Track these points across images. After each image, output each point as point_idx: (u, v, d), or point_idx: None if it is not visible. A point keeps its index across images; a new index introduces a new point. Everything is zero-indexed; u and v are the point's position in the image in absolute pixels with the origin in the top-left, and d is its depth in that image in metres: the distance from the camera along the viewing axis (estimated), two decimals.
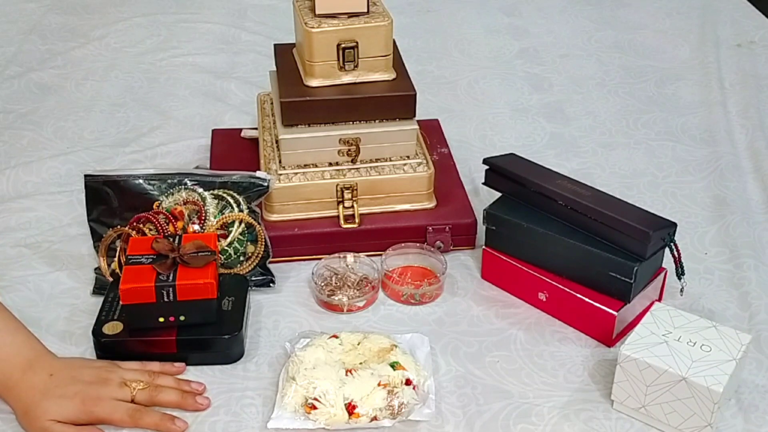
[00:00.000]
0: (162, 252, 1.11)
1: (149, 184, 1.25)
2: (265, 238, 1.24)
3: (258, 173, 1.27)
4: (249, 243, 1.23)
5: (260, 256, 1.24)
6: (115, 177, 1.25)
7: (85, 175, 1.25)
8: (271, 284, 1.25)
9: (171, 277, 1.08)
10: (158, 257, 1.11)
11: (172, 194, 1.25)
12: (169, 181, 1.25)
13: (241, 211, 1.24)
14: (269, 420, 1.04)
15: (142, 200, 1.24)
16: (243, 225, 1.23)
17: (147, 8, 2.11)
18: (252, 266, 1.23)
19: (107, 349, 1.12)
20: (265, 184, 1.26)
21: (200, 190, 1.24)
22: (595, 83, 1.81)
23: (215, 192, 1.25)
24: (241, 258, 1.23)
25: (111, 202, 1.25)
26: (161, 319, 1.10)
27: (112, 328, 1.12)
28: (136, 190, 1.25)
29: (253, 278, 1.24)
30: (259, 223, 1.24)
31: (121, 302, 1.10)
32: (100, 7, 2.11)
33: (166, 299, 1.08)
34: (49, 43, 1.94)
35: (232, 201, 1.24)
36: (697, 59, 1.90)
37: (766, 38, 1.99)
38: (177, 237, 1.15)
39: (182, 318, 1.11)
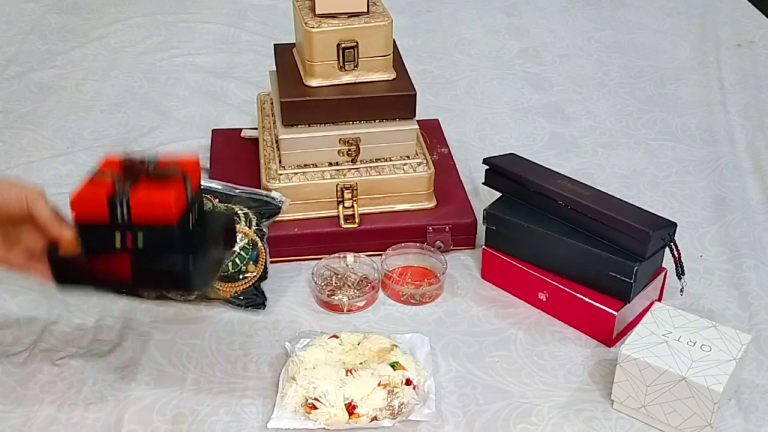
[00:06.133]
0: (130, 170, 0.97)
1: None
2: (266, 260, 1.23)
3: (273, 193, 1.27)
4: (251, 262, 1.23)
5: (257, 277, 1.23)
6: None
7: None
8: (261, 307, 1.22)
9: (127, 193, 0.94)
10: (124, 172, 0.97)
11: None
12: None
13: (249, 227, 1.23)
14: (269, 420, 1.05)
15: None
16: (247, 240, 1.22)
17: (147, 8, 2.11)
18: (247, 285, 1.22)
19: (58, 266, 1.01)
20: (279, 205, 1.26)
21: (216, 201, 1.25)
22: (595, 83, 1.81)
23: (229, 205, 1.24)
24: (240, 276, 1.22)
25: None
26: (118, 239, 0.96)
27: (73, 249, 0.99)
28: None
29: (245, 297, 1.22)
30: (263, 244, 1.23)
31: (72, 214, 0.97)
32: (100, 7, 2.12)
33: (120, 218, 0.95)
34: (49, 43, 1.94)
35: (242, 215, 1.24)
36: (697, 59, 1.90)
37: (766, 38, 1.99)
38: (153, 159, 0.99)
39: (140, 242, 0.96)
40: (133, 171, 0.97)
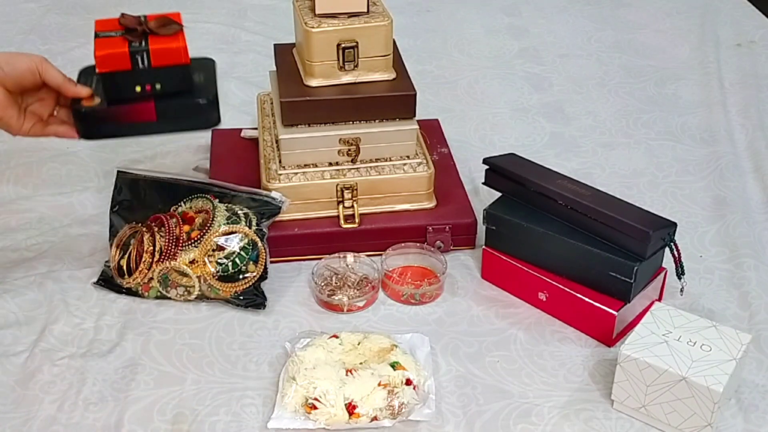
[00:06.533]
0: (129, 26, 1.13)
1: (172, 188, 1.27)
2: (266, 260, 1.23)
3: (273, 193, 1.27)
4: (251, 262, 1.23)
5: (257, 277, 1.22)
6: (143, 176, 1.29)
7: (118, 171, 1.29)
8: (261, 307, 1.22)
9: (144, 43, 1.12)
10: (127, 31, 1.13)
11: (191, 200, 1.26)
12: (189, 188, 1.28)
13: (249, 227, 1.23)
14: (269, 420, 1.05)
15: (163, 202, 1.27)
16: (247, 239, 1.22)
17: (147, 8, 2.10)
18: (247, 285, 1.22)
19: (88, 120, 1.13)
20: (279, 205, 1.26)
21: (216, 201, 1.25)
22: (595, 83, 1.81)
23: (229, 205, 1.25)
24: (240, 276, 1.22)
25: (134, 198, 1.28)
26: (138, 89, 1.12)
27: (91, 101, 1.13)
28: (160, 192, 1.27)
29: (245, 297, 1.22)
30: (263, 243, 1.23)
31: (97, 71, 1.11)
32: (100, 7, 2.11)
33: (141, 66, 1.12)
34: (49, 43, 1.94)
35: (242, 215, 1.24)
36: (697, 59, 1.90)
37: (766, 38, 1.99)
38: (143, 16, 1.16)
39: (158, 86, 1.14)
40: (132, 27, 1.14)
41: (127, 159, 1.54)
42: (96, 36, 1.14)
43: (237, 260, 1.21)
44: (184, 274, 1.21)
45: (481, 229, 1.29)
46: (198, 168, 1.49)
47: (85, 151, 1.56)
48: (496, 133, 1.64)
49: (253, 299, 1.22)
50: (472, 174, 1.48)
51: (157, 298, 1.23)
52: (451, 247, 1.33)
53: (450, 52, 1.94)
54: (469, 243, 1.34)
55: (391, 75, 1.31)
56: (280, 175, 1.30)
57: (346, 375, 1.06)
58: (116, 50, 1.12)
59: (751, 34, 2.01)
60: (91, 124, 1.16)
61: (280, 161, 1.32)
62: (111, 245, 1.26)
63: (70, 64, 1.85)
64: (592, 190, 1.21)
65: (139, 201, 1.28)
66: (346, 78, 1.29)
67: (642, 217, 1.16)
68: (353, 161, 1.31)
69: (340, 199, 1.31)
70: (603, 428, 1.06)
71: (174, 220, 1.22)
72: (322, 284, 1.24)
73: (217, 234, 1.21)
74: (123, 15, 1.16)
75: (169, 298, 1.23)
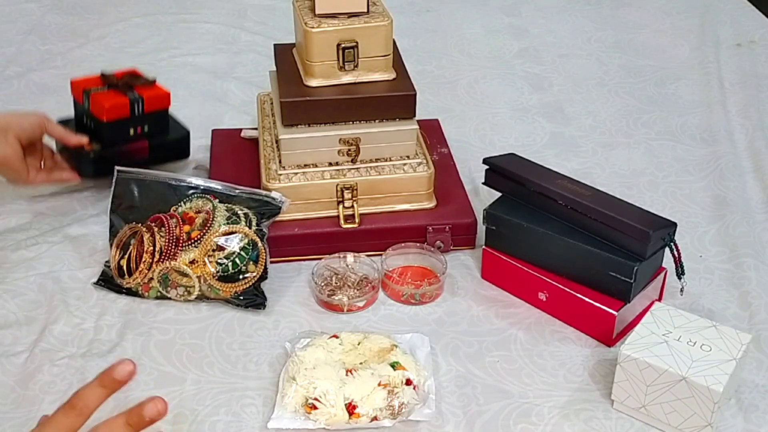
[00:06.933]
0: (111, 82, 1.37)
1: (172, 188, 1.27)
2: (266, 260, 1.23)
3: (273, 193, 1.27)
4: (251, 262, 1.23)
5: (257, 277, 1.22)
6: (143, 176, 1.29)
7: (118, 171, 1.29)
8: (261, 307, 1.22)
9: (137, 94, 1.35)
10: (110, 85, 1.37)
11: (191, 200, 1.26)
12: (190, 188, 1.27)
13: (249, 227, 1.23)
14: (269, 420, 1.05)
15: (163, 202, 1.27)
16: (247, 239, 1.22)
17: (147, 8, 2.11)
18: (247, 285, 1.22)
19: (97, 162, 1.35)
20: (279, 205, 1.26)
21: (216, 201, 1.25)
22: (595, 83, 1.81)
23: (229, 206, 1.25)
24: (240, 276, 1.22)
25: (134, 198, 1.28)
26: (132, 132, 1.36)
27: (93, 147, 1.36)
28: (160, 192, 1.27)
29: (245, 297, 1.22)
30: (263, 244, 1.23)
31: (105, 120, 1.33)
32: (100, 7, 2.11)
33: (137, 113, 1.35)
34: (48, 44, 1.94)
35: (242, 215, 1.24)
36: (697, 59, 1.90)
37: (766, 38, 1.99)
38: (111, 73, 1.40)
39: (146, 128, 1.37)
40: (114, 83, 1.37)
41: None
42: (88, 92, 1.35)
43: (237, 260, 1.21)
44: (184, 274, 1.21)
45: (481, 229, 1.29)
46: (198, 168, 1.49)
47: None
48: (496, 133, 1.64)
49: (253, 299, 1.22)
50: (472, 174, 1.48)
51: (157, 298, 1.23)
52: (451, 247, 1.33)
53: (450, 52, 1.94)
54: (469, 243, 1.34)
55: (391, 75, 1.31)
56: (280, 175, 1.30)
57: (346, 375, 1.06)
58: (119, 101, 1.34)
59: (751, 34, 2.01)
60: (98, 166, 1.35)
61: (280, 161, 1.32)
62: (111, 245, 1.26)
63: (69, 65, 1.86)
64: (592, 190, 1.21)
65: (139, 201, 1.28)
66: (346, 78, 1.29)
67: (642, 217, 1.16)
68: (353, 161, 1.31)
69: (340, 199, 1.31)
70: (603, 428, 1.06)
71: (174, 220, 1.22)
72: (322, 284, 1.24)
73: (217, 234, 1.21)
74: (103, 74, 1.38)
75: (169, 298, 1.23)
